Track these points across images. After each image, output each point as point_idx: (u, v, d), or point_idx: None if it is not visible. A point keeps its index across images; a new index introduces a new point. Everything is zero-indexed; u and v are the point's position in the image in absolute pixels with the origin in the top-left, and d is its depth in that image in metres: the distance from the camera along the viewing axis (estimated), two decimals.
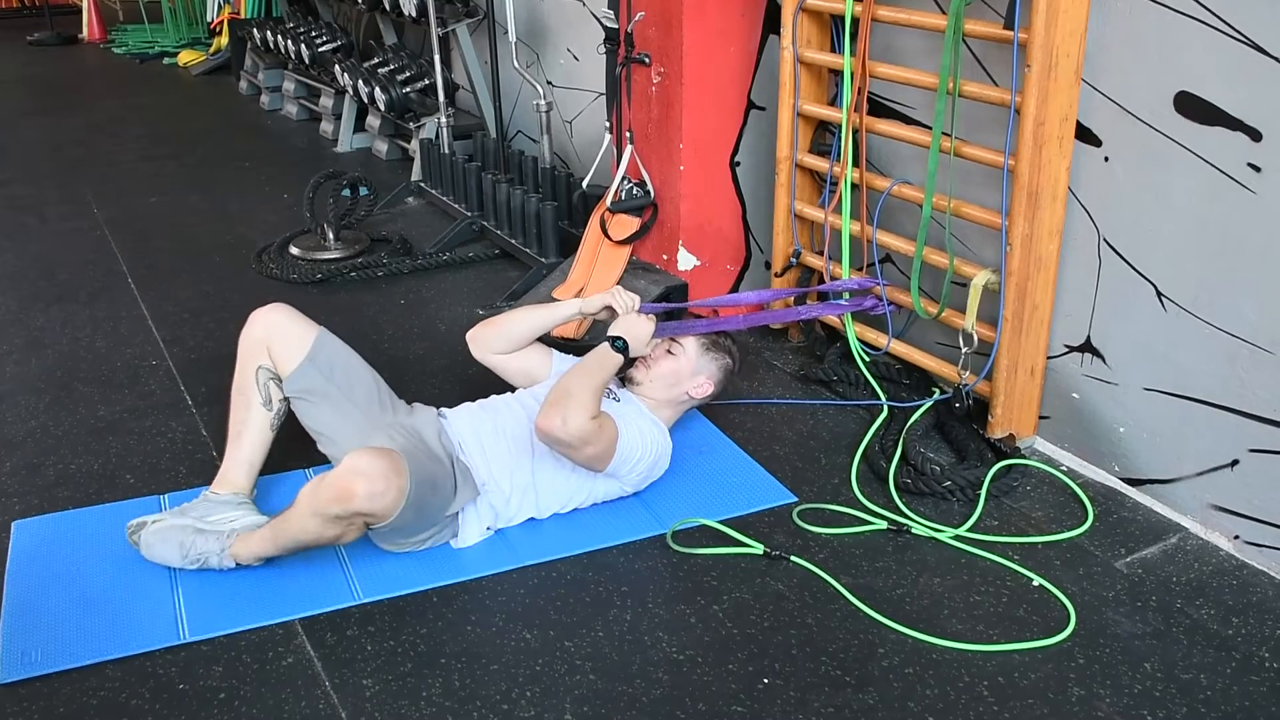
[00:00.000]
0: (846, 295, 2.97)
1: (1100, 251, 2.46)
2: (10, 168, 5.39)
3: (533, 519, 2.40)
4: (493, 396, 2.56)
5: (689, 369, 2.58)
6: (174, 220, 4.54)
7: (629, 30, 3.25)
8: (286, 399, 2.39)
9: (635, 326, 2.47)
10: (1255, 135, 2.10)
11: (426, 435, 2.32)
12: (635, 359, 2.54)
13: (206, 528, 2.23)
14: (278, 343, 2.38)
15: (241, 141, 5.89)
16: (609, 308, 2.57)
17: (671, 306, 2.98)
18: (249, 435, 2.36)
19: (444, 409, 2.47)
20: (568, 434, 2.19)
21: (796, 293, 3.14)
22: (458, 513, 2.29)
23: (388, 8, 4.93)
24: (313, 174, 4.21)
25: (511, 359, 2.65)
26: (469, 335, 2.69)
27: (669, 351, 2.59)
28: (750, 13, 3.17)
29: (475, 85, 4.94)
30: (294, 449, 2.48)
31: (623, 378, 2.59)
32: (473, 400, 2.55)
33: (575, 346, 3.19)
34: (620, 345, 2.40)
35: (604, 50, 3.47)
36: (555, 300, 3.46)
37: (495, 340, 2.64)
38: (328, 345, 2.41)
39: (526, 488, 2.36)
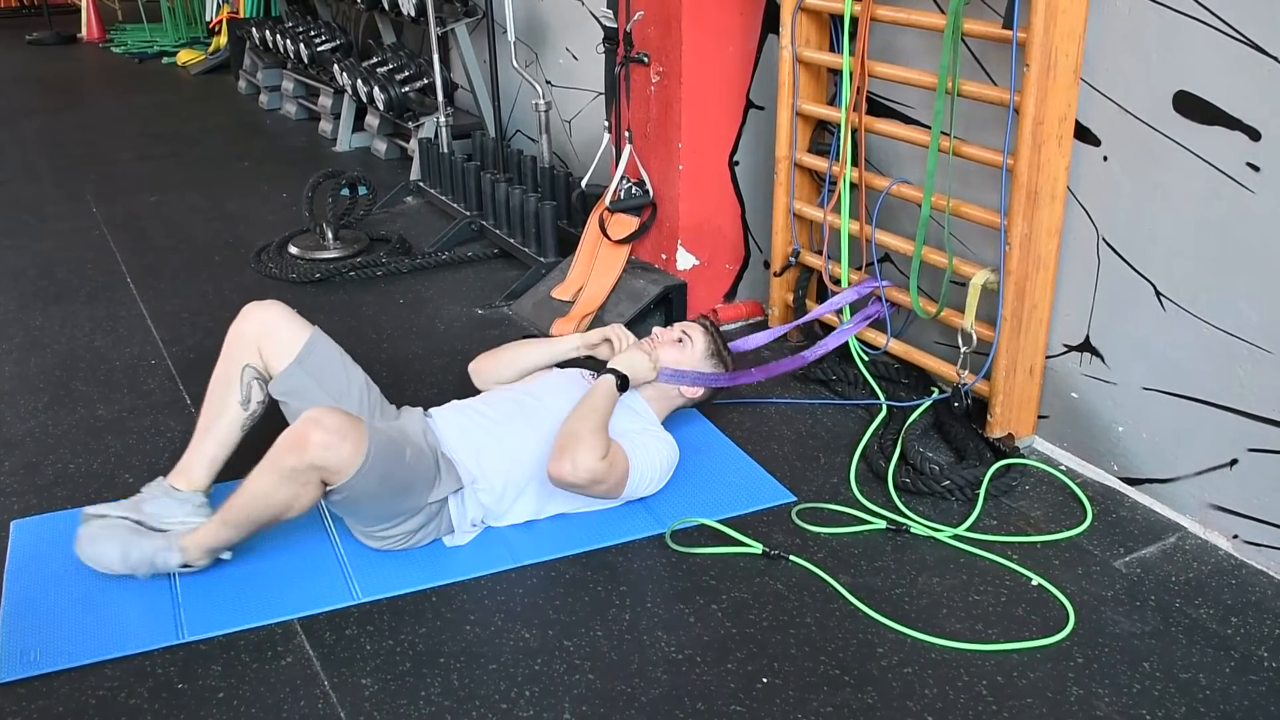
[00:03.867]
0: (848, 312, 2.97)
1: (1099, 251, 2.46)
2: (9, 167, 5.39)
3: (546, 517, 2.40)
4: (481, 394, 2.55)
5: (690, 366, 2.59)
6: (173, 219, 4.54)
7: (628, 29, 3.25)
8: (264, 402, 2.35)
9: (638, 364, 2.49)
10: (1254, 135, 2.10)
11: (411, 433, 2.29)
12: (641, 337, 2.63)
13: (154, 525, 2.19)
14: (269, 342, 2.34)
15: (240, 141, 5.89)
16: (608, 341, 2.61)
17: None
18: (218, 431, 2.32)
19: (431, 409, 2.46)
20: (579, 477, 2.21)
21: (801, 322, 3.12)
22: (445, 507, 2.27)
23: (386, 7, 4.93)
24: (311, 173, 4.21)
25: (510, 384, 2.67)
26: (471, 369, 2.73)
27: (678, 340, 2.60)
28: (749, 12, 3.17)
29: (474, 85, 4.94)
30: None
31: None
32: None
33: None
34: (621, 381, 2.42)
35: (603, 49, 3.47)
36: (553, 298, 3.47)
37: (497, 374, 2.68)
38: (319, 348, 2.38)
39: (524, 488, 2.35)
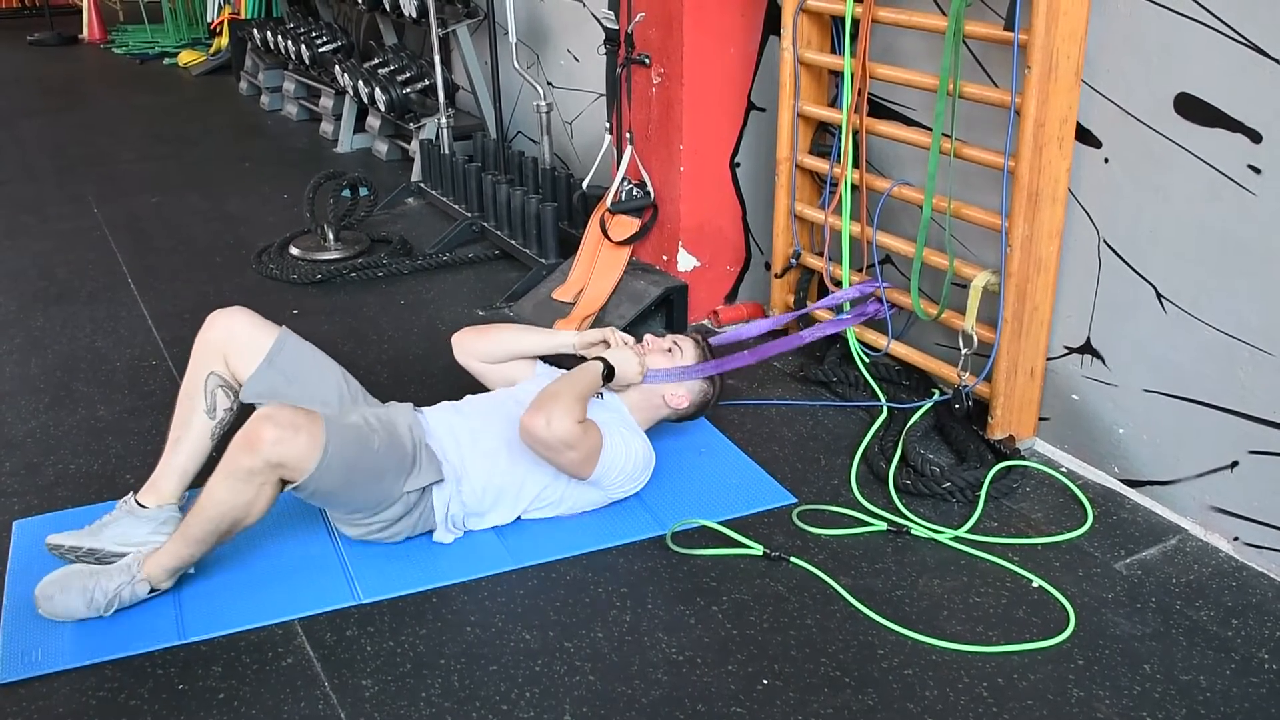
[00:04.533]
0: (848, 306, 2.97)
1: (1100, 253, 2.46)
2: (10, 167, 5.39)
3: (520, 520, 2.39)
4: (468, 398, 2.52)
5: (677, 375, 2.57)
6: (174, 220, 4.54)
7: (629, 31, 3.25)
8: (232, 409, 2.32)
9: (627, 361, 2.47)
10: (1255, 137, 2.10)
11: (398, 423, 2.27)
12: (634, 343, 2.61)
13: (115, 549, 2.15)
14: (235, 348, 2.32)
15: (241, 142, 5.89)
16: (605, 342, 2.57)
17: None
18: (187, 443, 2.29)
19: (422, 408, 2.43)
20: (551, 435, 2.19)
21: (797, 315, 3.13)
22: (426, 499, 2.25)
23: (388, 8, 4.93)
24: (313, 174, 4.21)
25: (493, 368, 2.64)
26: (455, 338, 2.67)
27: (668, 350, 2.59)
28: (750, 13, 3.18)
29: (475, 86, 4.94)
30: None
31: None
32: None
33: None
34: (608, 371, 2.41)
35: (604, 51, 3.47)
36: (554, 300, 3.47)
37: (483, 351, 2.64)
38: (288, 345, 2.35)
39: (503, 489, 2.33)
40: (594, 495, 2.40)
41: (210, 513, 2.05)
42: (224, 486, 2.02)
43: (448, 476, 2.28)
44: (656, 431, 2.58)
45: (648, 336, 2.65)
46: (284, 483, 2.06)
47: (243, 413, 2.34)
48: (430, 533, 2.32)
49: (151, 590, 2.12)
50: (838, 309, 3.01)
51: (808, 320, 3.15)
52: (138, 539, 2.20)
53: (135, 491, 2.29)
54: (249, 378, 2.32)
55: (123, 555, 2.16)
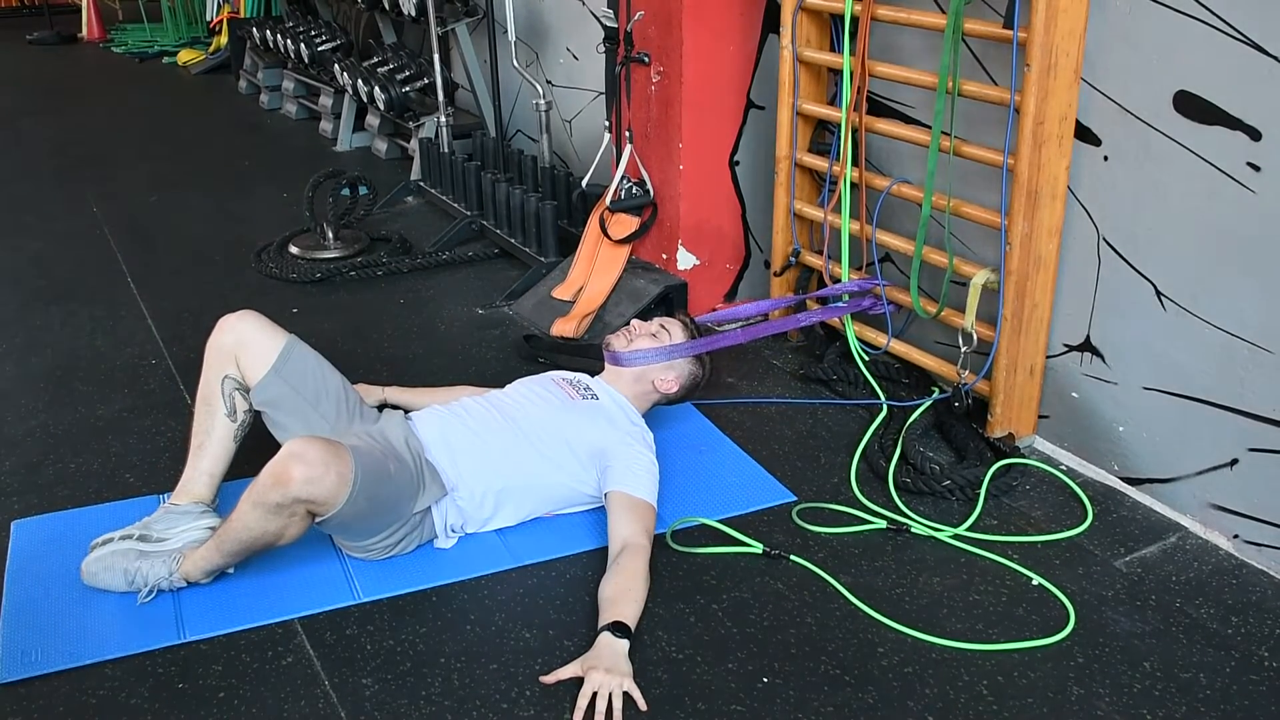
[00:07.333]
0: (846, 297, 2.97)
1: (1099, 251, 2.46)
2: (10, 167, 5.39)
3: (523, 522, 2.38)
4: (462, 399, 2.51)
5: (665, 359, 2.57)
6: (173, 219, 4.54)
7: (628, 29, 3.25)
8: (250, 410, 2.35)
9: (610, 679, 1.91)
10: (1255, 134, 2.10)
11: (393, 438, 2.27)
12: (620, 327, 2.61)
13: (152, 549, 2.17)
14: (245, 352, 2.34)
15: (241, 140, 5.89)
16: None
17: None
18: (211, 446, 2.31)
19: (411, 414, 2.44)
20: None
21: (796, 300, 3.14)
22: (428, 515, 2.26)
23: (387, 7, 4.92)
24: (312, 173, 4.21)
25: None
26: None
27: (653, 334, 2.59)
28: (749, 12, 3.17)
29: (475, 84, 4.94)
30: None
31: (593, 372, 2.61)
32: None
33: (573, 346, 3.20)
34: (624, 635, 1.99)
35: (603, 49, 3.47)
36: (554, 298, 3.47)
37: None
38: (295, 355, 2.37)
39: (501, 493, 2.32)
40: (596, 493, 2.40)
41: (243, 535, 2.06)
42: (254, 515, 2.02)
43: (447, 487, 2.28)
44: (655, 427, 2.58)
45: (634, 321, 2.66)
46: (312, 515, 2.06)
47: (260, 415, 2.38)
48: (431, 540, 2.32)
49: (187, 583, 2.16)
50: (836, 298, 3.01)
51: (802, 307, 3.15)
52: (181, 528, 2.22)
53: (167, 495, 2.32)
54: (256, 385, 2.34)
55: (167, 540, 2.19)
